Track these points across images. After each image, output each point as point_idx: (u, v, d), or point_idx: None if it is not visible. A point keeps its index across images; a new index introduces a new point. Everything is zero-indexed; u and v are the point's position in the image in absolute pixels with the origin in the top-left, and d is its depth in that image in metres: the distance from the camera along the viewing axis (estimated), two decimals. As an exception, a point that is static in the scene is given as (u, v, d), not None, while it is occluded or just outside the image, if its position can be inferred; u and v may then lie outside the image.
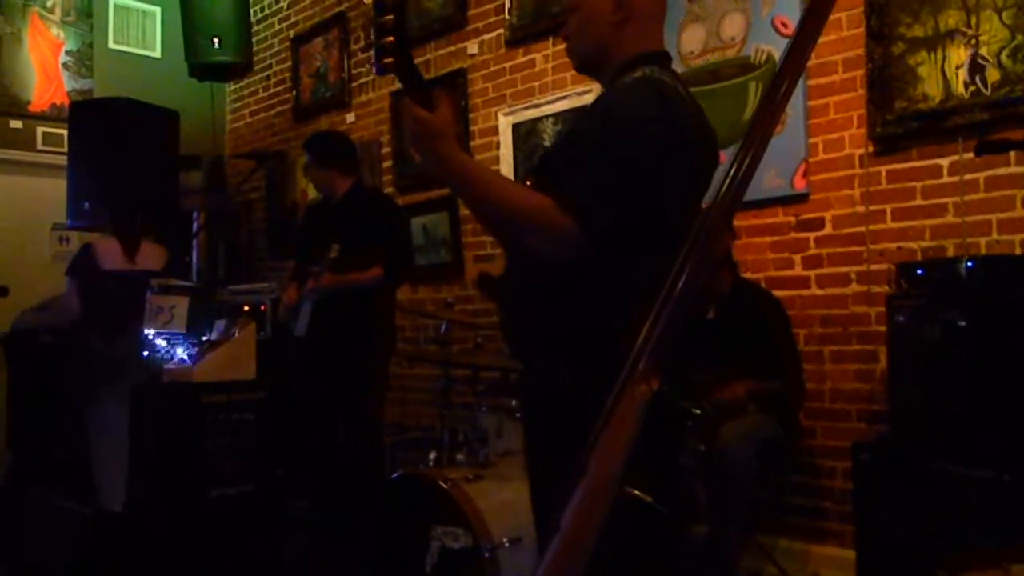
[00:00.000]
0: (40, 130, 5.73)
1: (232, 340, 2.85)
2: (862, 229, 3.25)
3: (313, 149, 3.93)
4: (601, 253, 1.45)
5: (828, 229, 3.36)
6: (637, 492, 1.39)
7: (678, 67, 3.71)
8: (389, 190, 5.13)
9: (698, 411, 1.50)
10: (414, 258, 4.75)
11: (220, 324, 3.01)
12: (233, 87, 6.64)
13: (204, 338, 2.94)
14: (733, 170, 1.21)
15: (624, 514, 1.29)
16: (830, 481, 3.34)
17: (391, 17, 1.43)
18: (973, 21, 3.01)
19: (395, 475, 2.73)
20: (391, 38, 1.43)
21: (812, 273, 3.40)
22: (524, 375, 1.76)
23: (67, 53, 5.90)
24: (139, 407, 2.88)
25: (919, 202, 3.12)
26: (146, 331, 2.91)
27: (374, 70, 1.55)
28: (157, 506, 2.80)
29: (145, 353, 2.89)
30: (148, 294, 2.96)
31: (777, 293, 3.39)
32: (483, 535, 2.37)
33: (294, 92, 5.99)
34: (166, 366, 2.84)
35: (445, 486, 2.49)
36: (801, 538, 3.40)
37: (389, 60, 1.43)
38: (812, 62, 3.39)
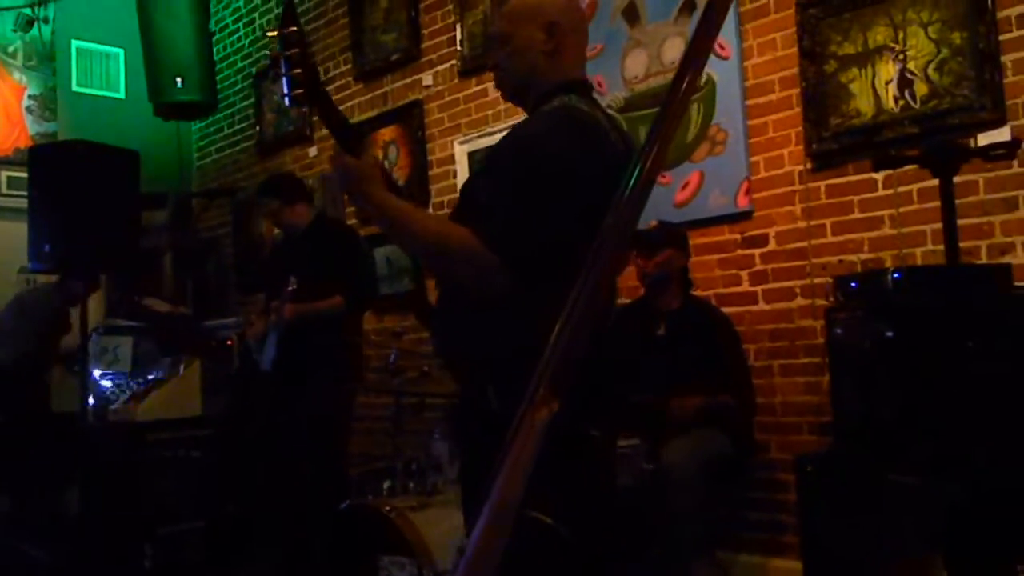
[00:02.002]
0: (4, 174, 5.76)
1: (176, 378, 2.87)
2: (804, 244, 3.30)
3: (278, 190, 3.97)
4: (525, 279, 1.49)
5: (772, 245, 3.41)
6: (538, 515, 1.42)
7: (622, 92, 3.83)
8: (352, 221, 5.15)
9: (596, 433, 1.52)
10: (377, 286, 4.78)
11: (165, 362, 3.03)
12: (198, 125, 6.68)
13: (150, 376, 2.96)
14: (635, 173, 1.15)
15: (528, 537, 1.32)
16: (785, 495, 3.36)
17: (297, 51, 1.49)
18: (900, 37, 3.08)
19: (342, 506, 2.74)
20: (299, 71, 1.49)
21: (759, 289, 3.45)
22: (458, 399, 1.81)
23: (30, 97, 5.95)
24: (85, 447, 2.89)
25: (857, 215, 3.18)
26: (93, 371, 2.93)
27: (286, 102, 1.63)
28: (109, 547, 2.80)
29: (91, 398, 2.91)
30: (94, 336, 2.99)
31: (726, 309, 3.43)
32: (426, 563, 2.39)
33: (257, 128, 6.04)
34: (111, 405, 2.86)
35: (390, 516, 2.51)
36: (760, 553, 3.42)
37: (299, 92, 1.49)
38: (750, 82, 3.47)
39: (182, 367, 2.92)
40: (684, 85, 1.15)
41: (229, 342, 4.89)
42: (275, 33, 1.56)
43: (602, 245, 1.20)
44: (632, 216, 1.20)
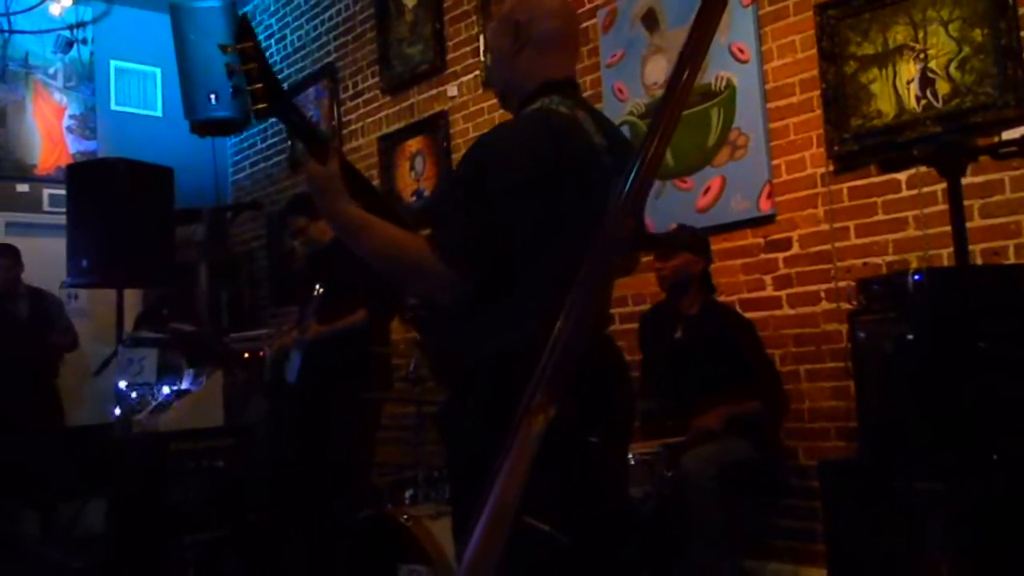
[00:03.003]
0: (46, 192, 5.94)
1: (199, 389, 2.93)
2: (828, 247, 3.26)
3: (304, 207, 4.05)
4: (493, 287, 1.47)
5: (796, 248, 3.37)
6: (534, 521, 1.42)
7: (642, 98, 3.82)
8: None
9: (595, 439, 1.51)
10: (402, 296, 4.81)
11: (189, 373, 3.09)
12: (233, 140, 6.82)
13: (173, 387, 3.02)
14: (632, 173, 1.12)
15: (526, 544, 1.32)
16: (815, 502, 3.29)
17: (255, 65, 1.49)
18: (921, 36, 3.04)
19: (362, 514, 2.77)
20: (260, 85, 1.49)
21: (783, 293, 3.41)
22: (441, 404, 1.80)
23: (70, 117, 6.13)
24: (111, 458, 2.95)
25: (881, 217, 3.13)
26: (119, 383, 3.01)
27: (252, 116, 1.63)
28: (135, 555, 2.86)
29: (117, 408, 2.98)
30: (120, 347, 3.07)
31: (750, 314, 3.39)
32: (443, 572, 2.40)
33: (289, 142, 6.14)
34: (136, 416, 2.92)
35: (407, 524, 2.52)
36: (791, 561, 3.36)
37: (261, 106, 1.49)
38: (770, 85, 3.44)
39: (204, 378, 2.98)
40: (684, 77, 1.14)
41: (261, 353, 4.97)
42: (230, 49, 1.53)
43: (599, 247, 1.19)
44: (630, 214, 1.18)
